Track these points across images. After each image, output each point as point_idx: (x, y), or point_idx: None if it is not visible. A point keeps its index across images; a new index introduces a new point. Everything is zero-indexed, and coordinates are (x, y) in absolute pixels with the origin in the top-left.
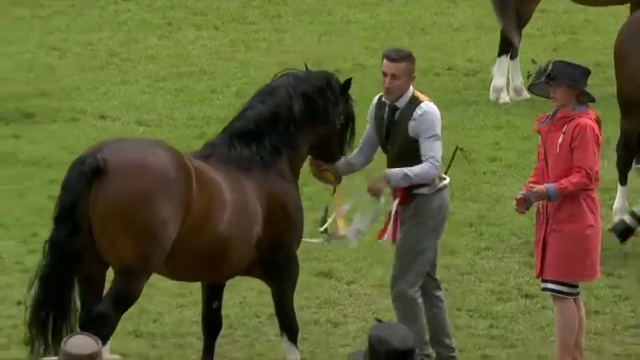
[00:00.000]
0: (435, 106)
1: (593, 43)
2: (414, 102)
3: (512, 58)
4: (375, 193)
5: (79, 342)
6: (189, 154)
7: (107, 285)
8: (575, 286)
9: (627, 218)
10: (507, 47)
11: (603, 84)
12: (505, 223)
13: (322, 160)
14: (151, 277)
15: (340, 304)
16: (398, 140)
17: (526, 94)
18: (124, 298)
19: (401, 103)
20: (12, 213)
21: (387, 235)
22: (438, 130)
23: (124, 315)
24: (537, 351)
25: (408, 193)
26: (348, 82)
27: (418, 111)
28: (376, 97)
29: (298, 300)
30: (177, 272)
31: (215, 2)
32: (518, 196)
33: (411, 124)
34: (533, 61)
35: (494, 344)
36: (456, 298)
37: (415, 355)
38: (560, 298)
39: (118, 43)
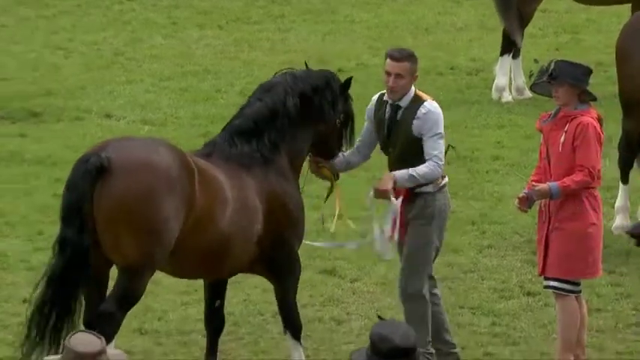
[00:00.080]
0: (437, 105)
1: (595, 42)
2: (417, 101)
3: (514, 57)
4: (383, 194)
5: (84, 339)
6: (191, 152)
7: (110, 284)
8: (578, 284)
9: None
10: (510, 47)
11: (605, 83)
12: (507, 222)
13: (320, 157)
14: (156, 275)
15: (344, 301)
16: (400, 139)
17: (528, 94)
18: (128, 296)
19: (404, 102)
20: (18, 211)
21: (396, 235)
22: (442, 129)
23: (128, 312)
24: (539, 348)
25: (411, 192)
26: (348, 82)
27: (422, 110)
28: (376, 96)
29: (302, 297)
30: (179, 269)
31: (219, 2)
32: (521, 195)
33: (415, 122)
34: (536, 61)
35: (496, 342)
36: (459, 296)
37: (417, 353)
38: (562, 296)
39: (122, 43)
